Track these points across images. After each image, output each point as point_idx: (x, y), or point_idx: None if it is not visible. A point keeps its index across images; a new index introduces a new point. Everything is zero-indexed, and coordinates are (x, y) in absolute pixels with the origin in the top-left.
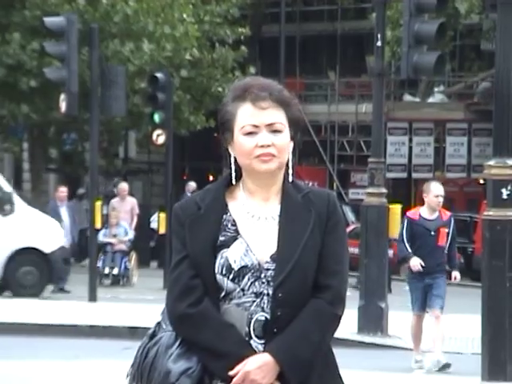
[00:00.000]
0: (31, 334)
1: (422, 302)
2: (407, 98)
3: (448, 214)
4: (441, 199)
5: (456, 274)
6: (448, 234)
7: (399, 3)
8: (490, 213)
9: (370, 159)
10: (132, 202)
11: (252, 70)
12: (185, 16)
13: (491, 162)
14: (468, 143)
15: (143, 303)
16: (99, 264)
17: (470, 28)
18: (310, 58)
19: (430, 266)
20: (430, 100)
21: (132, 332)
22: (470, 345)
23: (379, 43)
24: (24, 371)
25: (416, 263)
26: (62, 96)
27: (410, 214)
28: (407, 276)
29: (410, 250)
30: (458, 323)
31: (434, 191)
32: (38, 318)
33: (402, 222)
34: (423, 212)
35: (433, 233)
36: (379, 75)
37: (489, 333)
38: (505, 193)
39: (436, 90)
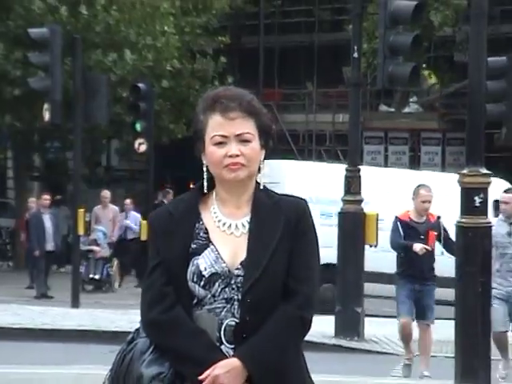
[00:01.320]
0: (16, 338)
1: (410, 306)
2: (383, 108)
3: (435, 216)
4: (427, 205)
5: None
6: (437, 236)
7: (375, 15)
8: (463, 220)
9: (346, 168)
10: (114, 210)
11: (230, 80)
12: (166, 27)
13: (464, 171)
14: (442, 152)
15: (125, 308)
16: (82, 270)
17: (443, 40)
18: (288, 69)
19: (421, 270)
20: (406, 110)
21: (114, 336)
22: (444, 348)
23: (356, 54)
24: (9, 375)
25: (421, 246)
26: (46, 105)
27: (400, 216)
28: (396, 279)
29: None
30: (433, 326)
31: (422, 197)
32: (22, 322)
33: (393, 224)
34: (412, 215)
35: (422, 236)
36: (356, 85)
37: (461, 338)
38: (477, 200)
39: (411, 100)
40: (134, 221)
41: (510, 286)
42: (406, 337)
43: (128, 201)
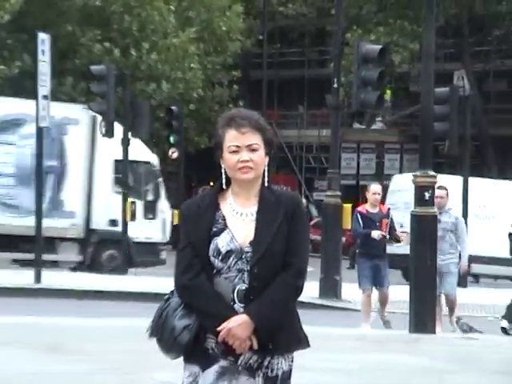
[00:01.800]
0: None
1: (371, 279)
2: (356, 125)
3: (386, 207)
4: (377, 196)
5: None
6: (387, 224)
7: (351, 55)
8: (416, 210)
9: (328, 170)
10: None
11: (241, 103)
12: (192, 65)
13: (417, 173)
14: (400, 159)
15: (168, 276)
16: None
17: (402, 74)
18: (284, 96)
19: (378, 250)
20: (373, 127)
21: (157, 297)
22: (402, 306)
23: (335, 85)
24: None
25: (378, 233)
26: (103, 123)
27: (359, 209)
28: (357, 257)
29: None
30: (392, 291)
31: (372, 190)
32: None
33: (353, 216)
34: (368, 207)
35: (377, 224)
36: (336, 109)
37: (415, 298)
38: (427, 195)
39: (377, 119)
40: None
41: (441, 261)
42: (365, 310)
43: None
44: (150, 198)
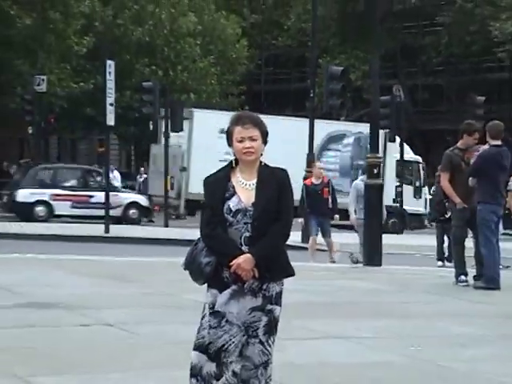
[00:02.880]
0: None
1: (316, 229)
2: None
3: (327, 179)
4: (321, 170)
5: (336, 217)
6: (328, 191)
7: (322, 74)
8: (368, 181)
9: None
10: None
11: (246, 108)
12: (212, 81)
13: (369, 155)
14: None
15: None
16: None
17: (357, 87)
18: (277, 102)
19: (321, 209)
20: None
21: (189, 243)
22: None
23: (312, 95)
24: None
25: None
26: (151, 122)
27: (305, 181)
28: (308, 213)
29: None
30: (347, 237)
31: (317, 166)
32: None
33: (302, 186)
34: (313, 179)
35: (319, 191)
36: (312, 111)
37: (367, 241)
38: (375, 171)
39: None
40: None
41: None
42: (312, 251)
43: None
44: (417, 184)
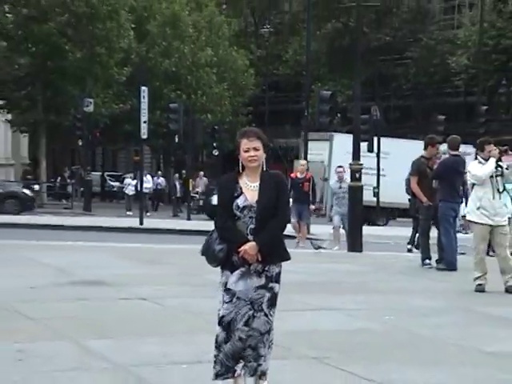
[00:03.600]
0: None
1: (298, 215)
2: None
3: (309, 174)
4: (304, 167)
5: (311, 207)
6: (309, 185)
7: (314, 97)
8: (351, 184)
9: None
10: (205, 180)
11: (253, 125)
12: (226, 103)
13: (351, 162)
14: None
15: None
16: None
17: (343, 108)
18: (278, 121)
19: (301, 199)
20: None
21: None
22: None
23: (306, 114)
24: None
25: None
26: (176, 136)
27: (291, 175)
28: (292, 202)
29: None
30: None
31: (301, 163)
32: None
33: (289, 179)
34: (298, 174)
35: (300, 184)
36: (306, 127)
37: (350, 229)
38: (357, 175)
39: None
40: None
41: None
42: (295, 229)
43: (201, 173)
44: None
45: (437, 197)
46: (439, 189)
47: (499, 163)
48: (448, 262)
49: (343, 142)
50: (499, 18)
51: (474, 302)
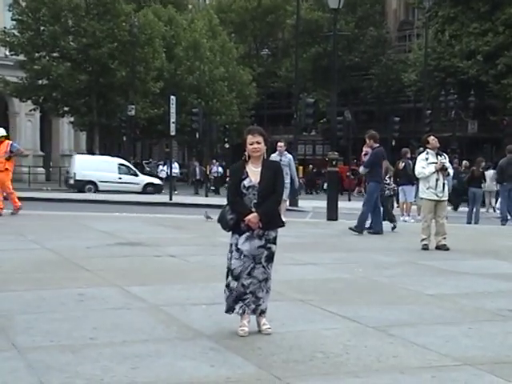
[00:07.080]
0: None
1: (288, 195)
2: (304, 133)
3: (289, 156)
4: (281, 148)
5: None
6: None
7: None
8: (329, 169)
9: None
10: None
11: (255, 124)
12: (234, 108)
13: (330, 152)
14: (322, 147)
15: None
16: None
17: (323, 112)
18: (274, 123)
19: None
20: (312, 134)
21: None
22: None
23: (295, 117)
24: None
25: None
26: (197, 133)
27: (273, 155)
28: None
29: None
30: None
31: (279, 144)
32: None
33: None
34: (277, 155)
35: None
36: (295, 127)
37: (329, 204)
38: (334, 163)
39: (313, 131)
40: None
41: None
42: (283, 209)
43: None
44: None
45: (367, 179)
46: (370, 172)
47: (439, 152)
48: (360, 224)
49: None
50: (439, 45)
51: (419, 257)
